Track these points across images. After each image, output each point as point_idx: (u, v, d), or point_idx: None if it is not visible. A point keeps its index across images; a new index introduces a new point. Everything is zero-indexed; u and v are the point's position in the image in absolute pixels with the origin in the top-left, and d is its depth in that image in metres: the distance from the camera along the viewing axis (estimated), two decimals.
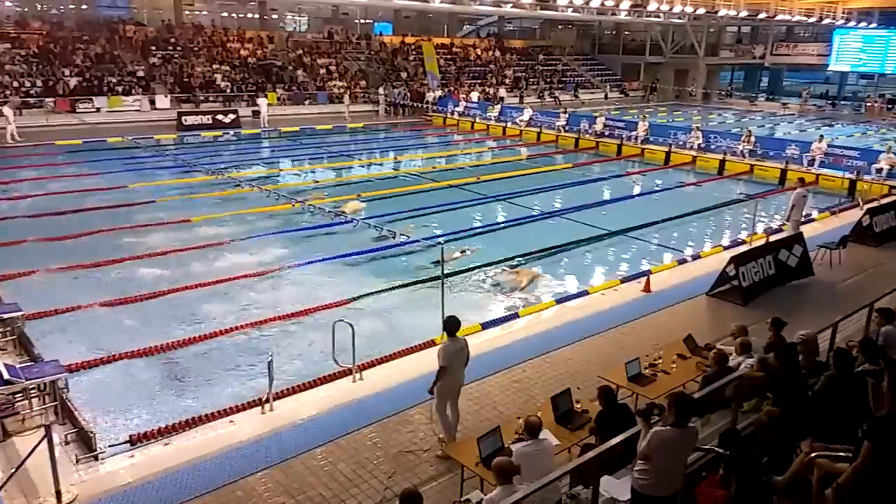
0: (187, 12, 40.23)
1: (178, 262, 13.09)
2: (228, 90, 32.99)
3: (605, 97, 45.25)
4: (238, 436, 7.30)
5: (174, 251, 13.59)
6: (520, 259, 13.51)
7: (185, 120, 29.06)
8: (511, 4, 28.82)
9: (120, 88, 30.33)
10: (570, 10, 31.10)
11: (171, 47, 34.43)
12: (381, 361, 9.08)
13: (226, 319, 10.62)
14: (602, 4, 29.51)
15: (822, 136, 23.35)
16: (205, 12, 43.61)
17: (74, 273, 12.33)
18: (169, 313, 10.87)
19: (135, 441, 7.24)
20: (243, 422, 7.62)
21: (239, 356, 9.53)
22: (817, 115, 41.79)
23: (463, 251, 13.80)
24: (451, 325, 7.02)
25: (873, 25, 43.88)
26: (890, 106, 43.13)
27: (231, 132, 28.83)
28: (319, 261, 13.30)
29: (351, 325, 8.28)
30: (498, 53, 46.57)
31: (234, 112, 30.54)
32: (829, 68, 46.60)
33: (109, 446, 7.15)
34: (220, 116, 30.00)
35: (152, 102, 30.48)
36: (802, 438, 5.18)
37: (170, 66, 33.14)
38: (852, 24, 42.98)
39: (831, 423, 5.47)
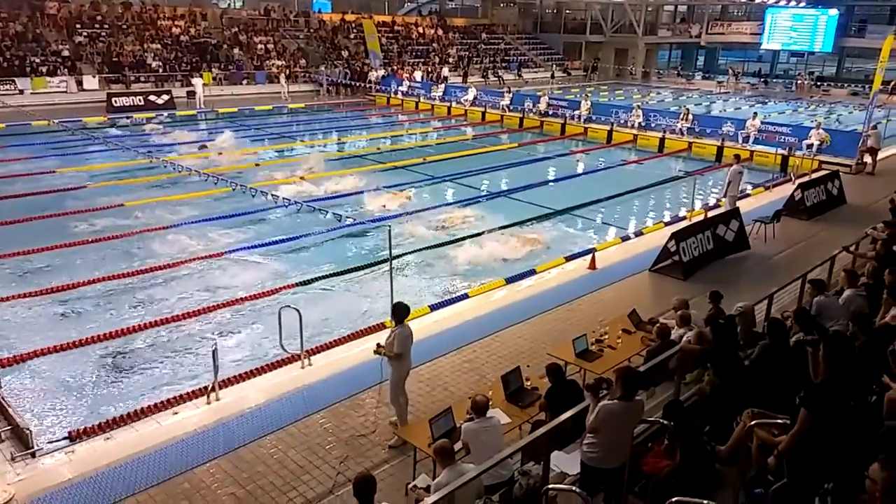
0: None
1: (112, 250, 12.61)
2: (161, 70, 31.71)
3: (552, 76, 45.60)
4: (183, 427, 7.12)
5: (108, 238, 13.07)
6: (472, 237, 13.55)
7: (116, 101, 27.79)
8: None
9: (44, 69, 28.72)
10: None
11: (97, 25, 32.77)
12: (329, 346, 8.97)
13: (167, 307, 10.30)
14: None
15: (755, 113, 24.12)
16: None
17: (2, 262, 11.72)
18: (106, 303, 10.48)
19: (74, 437, 6.99)
20: (188, 412, 7.43)
21: (182, 345, 9.27)
22: (751, 92, 43.11)
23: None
24: (402, 311, 6.97)
25: (802, 4, 45.37)
26: (819, 83, 44.83)
27: (165, 114, 27.76)
28: (262, 245, 13.01)
29: (298, 310, 8.14)
30: (440, 32, 46.21)
31: (168, 93, 29.40)
32: (761, 47, 48.04)
33: (48, 443, 6.88)
34: (152, 97, 28.84)
35: (79, 83, 28.98)
36: (743, 408, 5.36)
37: (97, 45, 31.58)
38: (783, 2, 44.33)
39: (769, 392, 5.68)
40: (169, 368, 8.72)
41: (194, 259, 12.12)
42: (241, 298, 10.56)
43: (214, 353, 7.37)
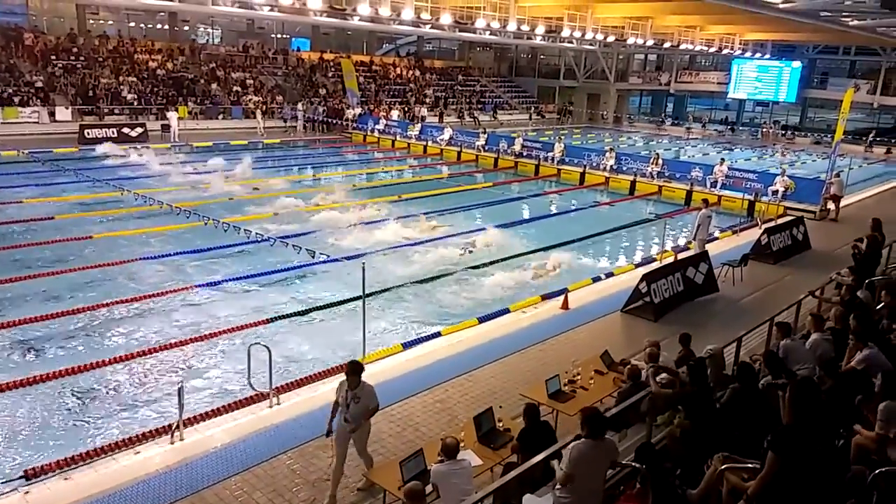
0: (91, 21, 38.36)
1: (78, 282, 12.33)
2: (136, 103, 31.60)
3: (530, 118, 46.57)
4: (145, 467, 6.89)
5: (73, 270, 12.81)
6: (445, 276, 13.55)
7: (88, 133, 27.47)
8: (430, 25, 29.15)
9: (16, 99, 28.44)
10: (488, 32, 31.78)
11: (73, 57, 32.66)
12: (299, 384, 8.82)
13: (132, 342, 10.06)
14: (518, 29, 30.28)
15: (722, 159, 24.77)
16: (111, 22, 41.71)
17: None
18: (69, 337, 10.19)
19: (30, 476, 6.71)
20: (151, 452, 7.20)
21: (146, 382, 9.03)
22: (718, 139, 44.37)
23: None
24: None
25: (767, 56, 47.19)
26: (783, 132, 46.34)
27: (138, 146, 27.54)
28: (232, 280, 12.85)
29: (267, 347, 8.00)
30: (418, 73, 46.95)
31: (142, 125, 29.22)
32: (728, 96, 49.70)
33: (2, 482, 6.59)
34: (126, 130, 28.59)
35: (52, 114, 28.69)
36: (714, 451, 5.37)
37: (72, 76, 31.42)
38: (749, 54, 46.06)
39: (740, 435, 5.70)
40: (132, 406, 8.46)
41: (161, 293, 11.91)
42: (209, 334, 10.36)
43: (180, 390, 7.20)
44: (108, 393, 8.72)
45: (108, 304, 11.27)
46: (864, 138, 41.76)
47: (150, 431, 7.58)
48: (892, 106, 43.51)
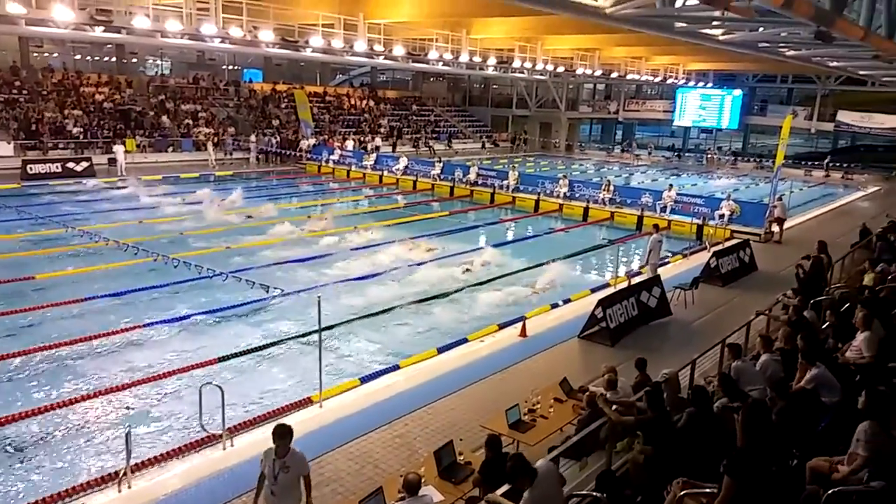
0: (35, 54, 37.43)
1: (20, 324, 11.80)
2: (82, 136, 30.83)
3: (483, 146, 47.21)
4: None
5: (16, 312, 12.25)
6: (399, 306, 13.46)
7: (31, 169, 26.64)
8: (383, 57, 29.38)
9: None
10: (441, 63, 32.20)
11: (15, 91, 31.77)
12: (253, 423, 8.57)
13: (77, 386, 9.65)
14: (470, 60, 30.78)
15: (671, 185, 25.48)
16: (56, 54, 40.77)
17: None
18: (8, 381, 9.70)
19: None
20: (97, 501, 6.87)
21: (92, 427, 8.65)
22: (666, 165, 45.67)
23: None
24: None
25: (709, 85, 49.03)
26: (728, 158, 48.01)
27: (84, 181, 26.82)
28: (183, 318, 12.48)
29: (220, 387, 7.76)
30: (372, 103, 47.17)
31: (88, 160, 28.47)
32: (673, 123, 51.34)
33: None
34: (71, 164, 27.83)
35: None
36: (673, 476, 5.39)
37: (14, 110, 30.51)
38: (692, 83, 47.80)
39: (698, 459, 5.75)
40: (77, 453, 8.09)
41: (109, 333, 11.47)
42: (159, 375, 10.01)
43: (127, 435, 6.89)
44: (49, 440, 8.31)
45: (48, 347, 10.77)
46: (804, 162, 43.57)
47: (96, 479, 7.24)
48: (828, 131, 45.59)
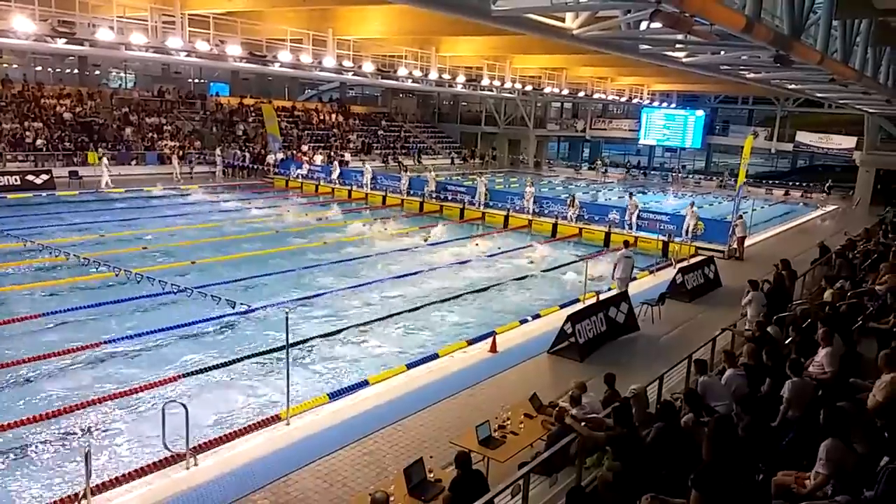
0: None
1: None
2: (44, 149, 30.13)
3: (453, 162, 47.48)
4: None
5: None
6: (369, 323, 13.37)
7: None
8: (352, 73, 29.41)
9: None
10: (410, 80, 32.36)
11: None
12: (218, 442, 8.37)
13: (34, 404, 9.32)
14: (440, 77, 31.00)
15: (631, 193, 25.95)
16: (15, 66, 39.85)
17: None
18: None
19: None
20: None
21: (50, 447, 8.36)
22: (634, 183, 46.45)
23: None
24: None
25: (673, 105, 50.19)
26: (692, 176, 49.07)
27: (44, 194, 26.16)
28: (146, 334, 12.19)
29: (184, 405, 7.58)
30: (341, 118, 47.09)
31: (48, 172, 27.83)
32: (639, 142, 52.35)
33: None
34: (30, 177, 27.15)
35: None
36: (643, 492, 5.41)
37: None
38: (656, 103, 48.87)
39: (666, 474, 5.79)
40: (34, 474, 7.80)
41: (67, 351, 11.12)
42: (120, 393, 9.75)
43: (87, 455, 6.67)
44: (5, 461, 8.01)
45: (5, 366, 10.42)
46: (764, 181, 44.73)
47: (54, 502, 6.98)
48: (787, 151, 46.94)
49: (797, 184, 43.56)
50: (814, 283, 14.74)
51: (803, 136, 44.93)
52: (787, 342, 9.67)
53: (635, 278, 17.67)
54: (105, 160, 28.90)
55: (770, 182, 44.72)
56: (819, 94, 26.36)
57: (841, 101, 29.55)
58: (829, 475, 5.23)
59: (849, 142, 41.98)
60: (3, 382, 10.01)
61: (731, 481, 4.82)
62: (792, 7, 11.42)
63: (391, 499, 5.94)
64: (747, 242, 21.91)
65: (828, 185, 41.69)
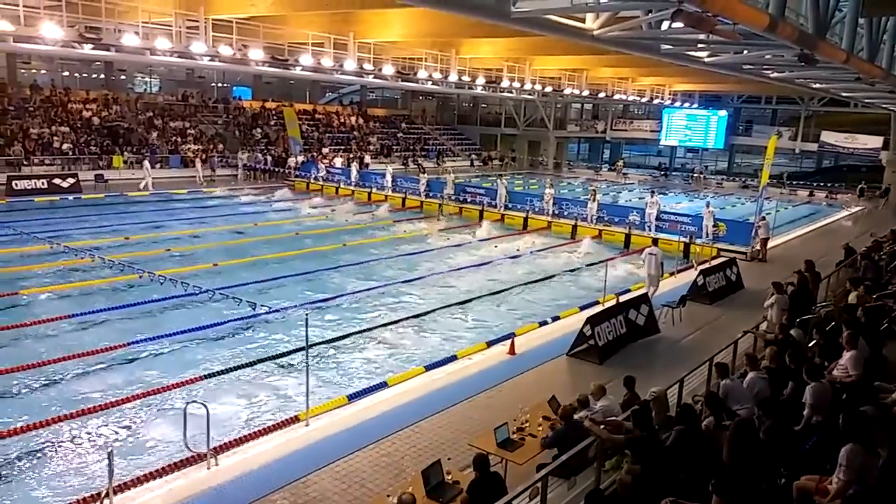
0: (23, 71, 37.32)
1: (3, 341, 11.64)
2: (70, 153, 30.71)
3: (472, 164, 47.50)
4: None
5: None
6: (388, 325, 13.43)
7: (16, 185, 26.46)
8: (373, 75, 29.56)
9: None
10: (430, 83, 32.45)
11: (1, 107, 31.60)
12: (239, 443, 8.46)
13: (60, 405, 9.49)
14: (459, 79, 31.02)
15: (653, 191, 25.78)
16: (43, 71, 40.62)
17: None
18: None
19: None
20: None
21: (74, 447, 8.51)
22: (653, 184, 45.96)
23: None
24: None
25: (695, 105, 49.70)
26: (715, 177, 48.51)
27: (70, 197, 26.65)
28: (169, 335, 12.35)
29: (205, 405, 7.68)
30: (361, 121, 47.32)
31: (74, 176, 28.35)
32: (660, 143, 51.92)
33: None
34: (57, 181, 27.67)
35: None
36: (662, 496, 5.37)
37: (0, 127, 30.34)
38: (678, 104, 48.42)
39: (686, 478, 5.74)
40: (58, 473, 7.95)
41: (94, 352, 11.32)
42: (143, 393, 9.89)
43: (110, 455, 6.78)
44: (31, 460, 8.16)
45: (32, 366, 10.62)
46: (785, 182, 44.07)
47: (78, 501, 7.11)
48: (812, 151, 46.24)
49: (821, 185, 42.82)
50: (838, 286, 14.48)
51: (828, 136, 44.23)
52: (810, 345, 9.54)
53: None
54: (146, 163, 29.73)
55: (793, 182, 43.98)
56: (844, 94, 25.96)
57: (867, 100, 29.05)
58: (850, 481, 5.15)
59: (875, 141, 41.21)
60: (28, 383, 10.19)
61: (752, 486, 4.77)
62: (817, 5, 11.27)
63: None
64: (771, 244, 21.61)
65: (860, 186, 40.15)
